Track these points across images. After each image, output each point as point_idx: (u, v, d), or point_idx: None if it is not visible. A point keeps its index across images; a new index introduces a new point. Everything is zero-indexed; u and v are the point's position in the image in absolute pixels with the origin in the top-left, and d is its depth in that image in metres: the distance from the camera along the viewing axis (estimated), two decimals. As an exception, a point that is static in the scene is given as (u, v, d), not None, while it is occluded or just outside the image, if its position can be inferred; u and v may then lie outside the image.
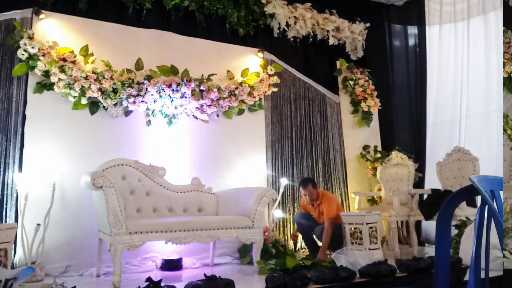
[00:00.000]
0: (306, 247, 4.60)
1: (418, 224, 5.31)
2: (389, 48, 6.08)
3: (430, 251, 4.73)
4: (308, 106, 5.39)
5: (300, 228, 4.48)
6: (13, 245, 3.36)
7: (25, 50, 3.79)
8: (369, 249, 3.82)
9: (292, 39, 5.33)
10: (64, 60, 3.92)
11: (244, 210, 3.74)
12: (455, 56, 5.66)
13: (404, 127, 5.93)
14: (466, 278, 2.72)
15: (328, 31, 5.55)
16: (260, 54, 5.05)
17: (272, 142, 5.03)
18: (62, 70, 3.88)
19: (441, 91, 5.76)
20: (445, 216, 1.41)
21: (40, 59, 3.84)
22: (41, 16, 3.97)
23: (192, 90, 4.38)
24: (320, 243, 4.21)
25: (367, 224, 3.88)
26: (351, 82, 5.63)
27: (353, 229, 3.90)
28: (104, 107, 4.11)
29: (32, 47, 3.80)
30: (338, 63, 5.72)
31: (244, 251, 4.19)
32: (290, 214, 4.94)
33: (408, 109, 5.95)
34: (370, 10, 6.03)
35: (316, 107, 5.47)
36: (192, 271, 3.83)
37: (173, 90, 4.30)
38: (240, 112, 4.80)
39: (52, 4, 4.07)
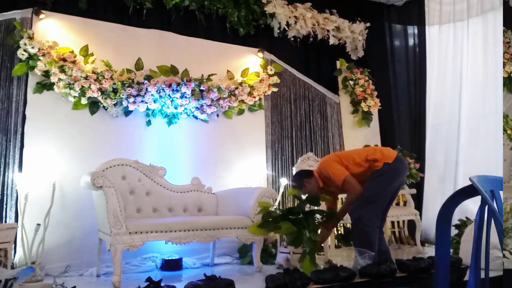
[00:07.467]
0: None
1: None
2: (389, 48, 6.07)
3: (430, 251, 4.72)
4: (308, 106, 5.39)
5: None
6: (13, 245, 3.36)
7: (25, 50, 3.79)
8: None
9: (292, 39, 5.33)
10: (64, 60, 3.92)
11: (244, 210, 3.73)
12: (454, 56, 5.65)
13: (404, 127, 5.92)
14: (466, 278, 2.72)
15: (328, 31, 5.54)
16: (260, 54, 5.04)
17: (272, 142, 5.03)
18: (62, 70, 3.88)
19: (441, 91, 5.75)
20: (445, 216, 1.41)
21: (40, 59, 3.83)
22: (41, 16, 3.96)
23: (192, 90, 4.38)
24: None
25: None
26: (351, 82, 5.63)
27: None
28: (104, 107, 4.10)
29: (32, 47, 3.80)
30: (338, 63, 5.71)
31: (244, 251, 4.19)
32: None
33: (408, 109, 5.95)
34: (370, 10, 6.03)
35: (316, 107, 5.46)
36: (192, 271, 3.83)
37: (173, 90, 4.30)
38: (240, 112, 4.79)
39: (52, 4, 4.06)
